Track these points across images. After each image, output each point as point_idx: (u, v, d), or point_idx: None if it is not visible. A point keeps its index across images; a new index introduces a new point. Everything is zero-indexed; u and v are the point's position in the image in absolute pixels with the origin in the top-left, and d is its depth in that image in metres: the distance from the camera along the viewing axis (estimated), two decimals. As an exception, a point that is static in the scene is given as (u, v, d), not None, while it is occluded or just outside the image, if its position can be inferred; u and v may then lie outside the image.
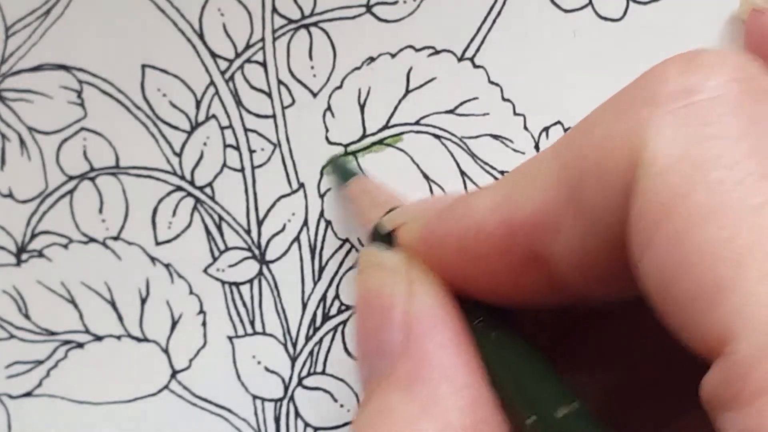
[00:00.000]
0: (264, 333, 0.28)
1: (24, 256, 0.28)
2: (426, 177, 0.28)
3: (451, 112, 0.28)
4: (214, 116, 0.28)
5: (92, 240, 0.28)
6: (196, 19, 0.28)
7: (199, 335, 0.28)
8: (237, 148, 0.28)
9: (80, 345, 0.28)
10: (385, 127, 0.28)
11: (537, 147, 0.28)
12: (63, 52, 0.27)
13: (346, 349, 0.28)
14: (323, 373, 0.28)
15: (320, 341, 0.28)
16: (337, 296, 0.28)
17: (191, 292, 0.28)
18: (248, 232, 0.28)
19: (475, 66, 0.28)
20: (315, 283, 0.28)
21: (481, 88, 0.28)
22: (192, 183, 0.28)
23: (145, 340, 0.28)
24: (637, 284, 0.13)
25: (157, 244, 0.28)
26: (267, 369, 0.28)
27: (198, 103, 0.28)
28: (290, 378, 0.28)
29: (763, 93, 0.13)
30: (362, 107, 0.28)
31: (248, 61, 0.28)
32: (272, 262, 0.28)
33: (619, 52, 0.28)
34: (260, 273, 0.28)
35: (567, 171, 0.14)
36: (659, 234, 0.12)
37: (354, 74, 0.28)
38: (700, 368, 0.12)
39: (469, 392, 0.15)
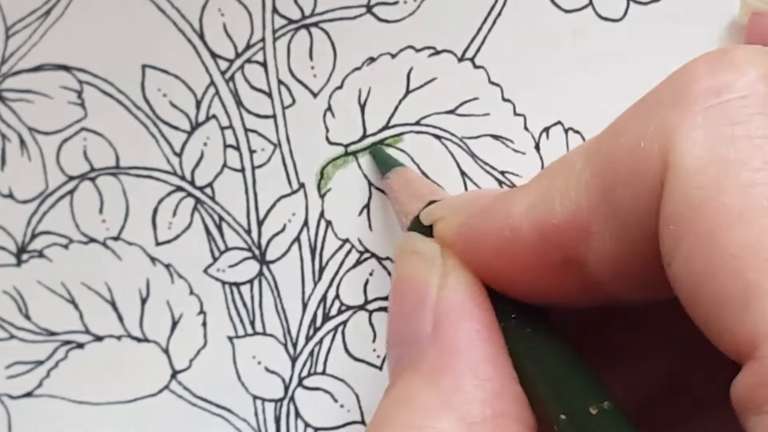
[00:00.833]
0: (264, 333, 0.28)
1: (24, 257, 0.28)
2: (426, 177, 0.28)
3: (451, 112, 0.28)
4: (214, 116, 0.28)
5: (92, 240, 0.28)
6: (196, 19, 0.28)
7: (200, 335, 0.28)
8: (237, 148, 0.28)
9: (80, 345, 0.28)
10: (386, 127, 0.28)
11: (537, 147, 0.28)
12: (63, 53, 0.27)
13: (346, 350, 0.28)
14: (323, 373, 0.28)
15: (320, 341, 0.28)
16: (337, 296, 0.28)
17: (191, 293, 0.28)
18: (248, 232, 0.28)
19: (476, 66, 0.28)
20: (315, 284, 0.28)
21: (481, 89, 0.28)
22: (192, 183, 0.28)
23: (146, 340, 0.28)
24: (668, 286, 0.13)
25: (158, 244, 0.28)
26: (267, 369, 0.28)
27: (198, 104, 0.28)
28: (290, 378, 0.28)
29: None
30: (363, 107, 0.28)
31: (248, 61, 0.28)
32: (272, 262, 0.28)
33: (619, 52, 0.28)
34: (260, 273, 0.28)
35: (598, 175, 0.14)
36: (688, 236, 0.12)
37: (354, 74, 0.28)
38: (732, 368, 0.12)
39: (491, 385, 0.15)
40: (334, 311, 0.28)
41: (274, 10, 0.28)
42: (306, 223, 0.28)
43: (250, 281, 0.28)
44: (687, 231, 0.12)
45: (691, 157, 0.13)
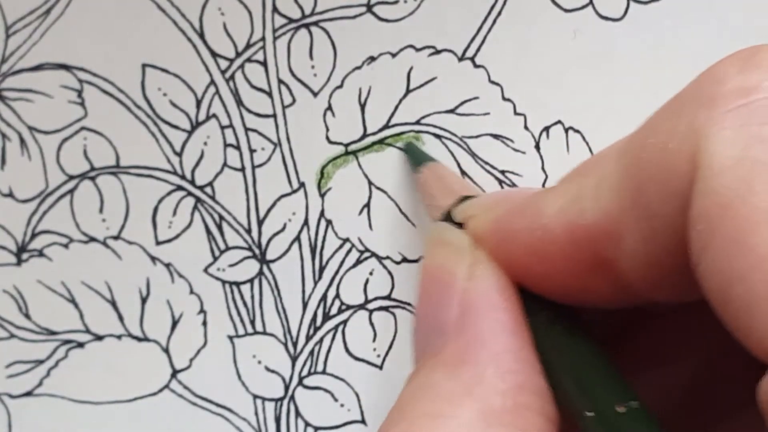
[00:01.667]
0: (264, 332, 0.28)
1: (24, 256, 0.28)
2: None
3: (451, 111, 0.28)
4: (214, 115, 0.28)
5: (93, 239, 0.28)
6: (196, 19, 0.28)
7: (200, 335, 0.28)
8: (237, 147, 0.28)
9: (81, 344, 0.28)
10: (386, 126, 0.28)
11: (537, 146, 0.28)
12: (63, 52, 0.27)
13: (346, 349, 0.28)
14: (324, 372, 0.28)
15: (321, 341, 0.28)
16: (337, 296, 0.28)
17: (192, 292, 0.28)
18: (249, 231, 0.28)
19: (476, 66, 0.28)
20: (315, 283, 0.28)
21: (481, 88, 0.28)
22: (192, 182, 0.28)
23: (146, 339, 0.28)
24: (698, 288, 0.13)
25: (158, 243, 0.28)
26: (267, 368, 0.28)
27: (198, 103, 0.28)
28: (291, 377, 0.28)
29: None
30: (363, 107, 0.28)
31: (249, 60, 0.28)
32: (273, 261, 0.28)
33: (620, 52, 0.28)
34: (261, 272, 0.28)
35: (628, 176, 0.14)
36: (717, 236, 0.12)
37: (354, 74, 0.28)
38: (760, 371, 0.12)
39: (514, 377, 0.15)
40: (334, 310, 0.28)
41: (275, 10, 0.28)
42: (306, 222, 0.28)
43: (251, 280, 0.28)
44: (716, 232, 0.12)
45: (720, 157, 0.13)
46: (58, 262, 0.28)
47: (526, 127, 0.28)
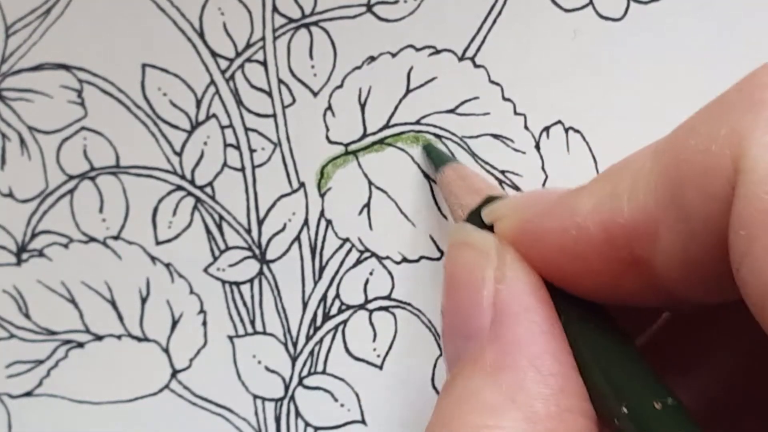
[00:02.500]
0: (264, 332, 0.28)
1: (24, 256, 0.28)
2: (427, 177, 0.28)
3: (451, 111, 0.28)
4: (214, 115, 0.28)
5: (92, 239, 0.28)
6: (196, 18, 0.28)
7: (200, 335, 0.28)
8: (237, 147, 0.28)
9: (80, 344, 0.28)
10: (386, 126, 0.28)
11: (537, 146, 0.28)
12: (63, 52, 0.27)
13: (346, 349, 0.28)
14: (324, 372, 0.28)
15: (321, 341, 0.28)
16: (337, 296, 0.28)
17: (191, 292, 0.28)
18: (249, 231, 0.28)
19: (476, 65, 0.28)
20: (315, 283, 0.28)
21: (481, 88, 0.28)
22: (192, 182, 0.28)
23: (146, 339, 0.28)
24: (734, 289, 0.13)
25: (158, 243, 0.28)
26: (267, 368, 0.28)
27: (198, 103, 0.28)
28: (291, 377, 0.28)
29: None
30: (363, 106, 0.28)
31: (249, 60, 0.28)
32: (273, 261, 0.28)
33: (620, 52, 0.28)
34: (261, 272, 0.28)
35: (667, 176, 0.14)
36: (759, 242, 0.12)
37: (354, 73, 0.28)
38: None
39: (555, 381, 0.15)
40: (334, 310, 0.28)
41: (274, 9, 0.28)
42: (306, 222, 0.28)
43: (251, 280, 0.28)
44: (758, 236, 0.12)
45: (764, 162, 0.13)
46: (58, 262, 0.28)
47: (526, 127, 0.28)
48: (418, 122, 0.28)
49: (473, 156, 0.28)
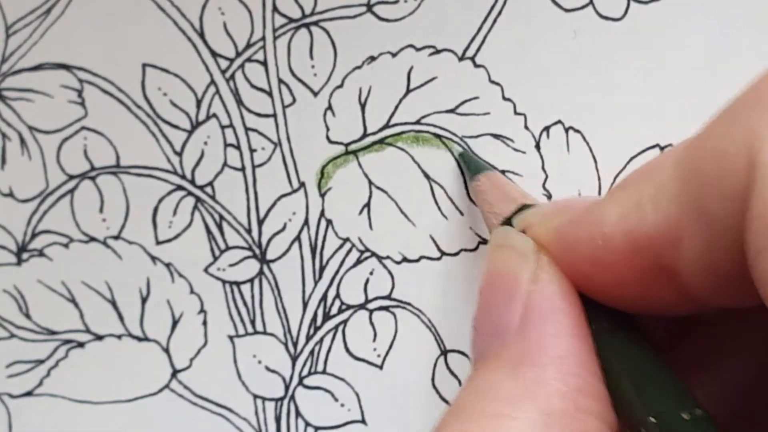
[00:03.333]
0: (265, 332, 0.28)
1: (24, 256, 0.28)
2: (426, 176, 0.28)
3: (451, 111, 0.28)
4: (214, 115, 0.28)
5: (93, 239, 0.28)
6: (196, 18, 0.28)
7: (200, 334, 0.28)
8: (238, 147, 0.28)
9: (81, 344, 0.28)
10: (386, 126, 0.28)
11: (537, 146, 0.28)
12: (63, 52, 0.27)
13: (346, 349, 0.28)
14: (324, 372, 0.28)
15: (321, 341, 0.28)
16: (337, 296, 0.28)
17: (192, 292, 0.28)
18: (249, 231, 0.28)
19: (476, 65, 0.28)
20: (316, 283, 0.28)
21: (481, 88, 0.28)
22: (192, 182, 0.28)
23: (146, 339, 0.28)
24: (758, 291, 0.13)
25: (158, 243, 0.28)
26: (268, 368, 0.28)
27: (198, 102, 0.28)
28: (291, 377, 0.28)
29: None
30: (363, 106, 0.28)
31: (249, 60, 0.28)
32: (273, 261, 0.28)
33: (620, 52, 0.28)
34: (261, 272, 0.28)
35: (687, 182, 0.14)
36: None
37: (355, 73, 0.28)
38: None
39: (574, 380, 0.15)
40: (334, 310, 0.28)
41: (275, 9, 0.28)
42: (306, 222, 0.28)
43: (251, 280, 0.28)
44: None
45: None
46: (58, 262, 0.28)
47: (526, 127, 0.28)
48: (418, 122, 0.28)
49: (475, 156, 0.28)
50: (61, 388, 0.28)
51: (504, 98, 0.28)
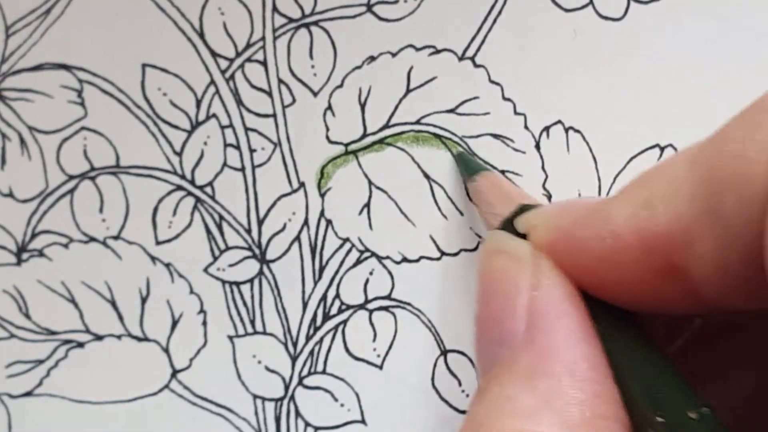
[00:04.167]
0: (264, 332, 0.28)
1: (24, 256, 0.28)
2: (426, 176, 0.28)
3: (451, 111, 0.28)
4: (214, 115, 0.28)
5: (92, 239, 0.28)
6: (196, 18, 0.28)
7: (200, 334, 0.28)
8: (237, 147, 0.28)
9: (81, 344, 0.28)
10: (386, 126, 0.28)
11: (537, 146, 0.28)
12: (63, 52, 0.27)
13: (346, 349, 0.28)
14: (324, 372, 0.28)
15: (321, 341, 0.28)
16: (337, 296, 0.28)
17: (191, 292, 0.28)
18: (249, 231, 0.28)
19: (476, 65, 0.28)
20: (315, 283, 0.28)
21: (481, 88, 0.28)
22: (192, 182, 0.28)
23: (146, 339, 0.28)
24: None
25: (158, 243, 0.28)
26: (267, 368, 0.28)
27: (198, 103, 0.28)
28: (291, 377, 0.28)
29: None
30: (363, 106, 0.28)
31: (249, 60, 0.28)
32: (273, 261, 0.28)
33: (620, 52, 0.28)
34: (261, 272, 0.28)
35: (702, 182, 0.14)
36: None
37: (355, 73, 0.28)
38: None
39: (590, 386, 0.15)
40: (334, 310, 0.28)
41: (275, 9, 0.28)
42: (306, 222, 0.28)
43: (251, 280, 0.28)
44: None
45: None
46: (58, 262, 0.28)
47: (526, 127, 0.28)
48: (418, 122, 0.28)
49: (473, 156, 0.28)
50: (61, 388, 0.28)
51: (504, 98, 0.28)
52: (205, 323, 0.28)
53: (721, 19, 0.27)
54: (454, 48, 0.28)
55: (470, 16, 0.28)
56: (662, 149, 0.28)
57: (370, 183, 0.28)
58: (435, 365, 0.28)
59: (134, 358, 0.28)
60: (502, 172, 0.28)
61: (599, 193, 0.28)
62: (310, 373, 0.28)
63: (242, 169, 0.28)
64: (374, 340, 0.28)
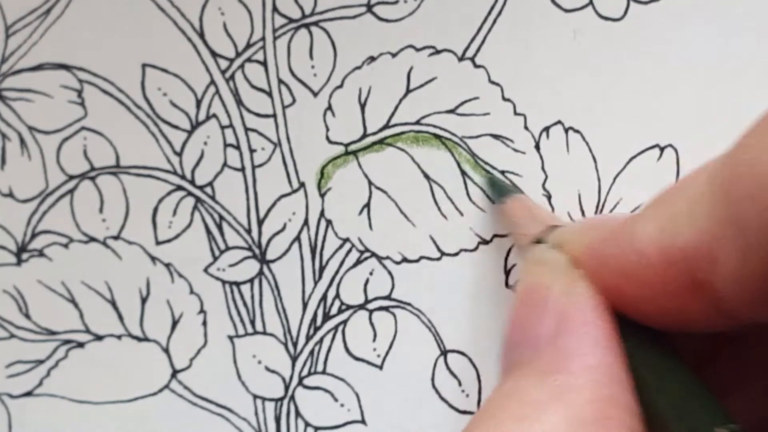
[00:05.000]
0: (264, 332, 0.28)
1: (24, 256, 0.28)
2: (426, 176, 0.28)
3: (451, 111, 0.28)
4: (214, 115, 0.28)
5: (93, 239, 0.28)
6: (196, 19, 0.28)
7: (200, 334, 0.28)
8: (237, 147, 0.28)
9: (81, 344, 0.28)
10: (386, 126, 0.28)
11: (537, 146, 0.28)
12: (63, 52, 0.27)
13: (346, 349, 0.28)
14: (324, 372, 0.28)
15: (321, 341, 0.28)
16: (337, 296, 0.28)
17: (192, 292, 0.28)
18: (249, 231, 0.28)
19: (476, 66, 0.28)
20: (315, 283, 0.28)
21: (481, 88, 0.28)
22: (192, 182, 0.28)
23: (146, 339, 0.28)
24: None
25: (158, 243, 0.28)
26: (267, 368, 0.28)
27: (198, 103, 0.28)
28: (291, 377, 0.28)
29: None
30: (363, 106, 0.28)
31: (249, 60, 0.28)
32: (273, 261, 0.28)
33: (619, 52, 0.28)
34: (261, 272, 0.28)
35: (723, 194, 0.14)
36: None
37: (355, 73, 0.28)
38: None
39: (604, 390, 0.15)
40: (334, 310, 0.28)
41: (275, 9, 0.28)
42: (306, 222, 0.28)
43: (251, 280, 0.28)
44: None
45: None
46: (58, 262, 0.28)
47: (526, 127, 0.28)
48: (418, 122, 0.28)
49: (473, 156, 0.28)
50: (61, 388, 0.28)
51: (504, 98, 0.28)
52: (205, 323, 0.28)
53: (721, 19, 0.27)
54: (454, 48, 0.28)
55: (470, 16, 0.28)
56: (662, 149, 0.28)
57: (370, 183, 0.28)
58: (435, 365, 0.28)
59: (134, 358, 0.28)
60: (502, 172, 0.28)
61: (599, 193, 0.28)
62: (310, 373, 0.28)
63: (242, 169, 0.28)
64: (374, 340, 0.28)
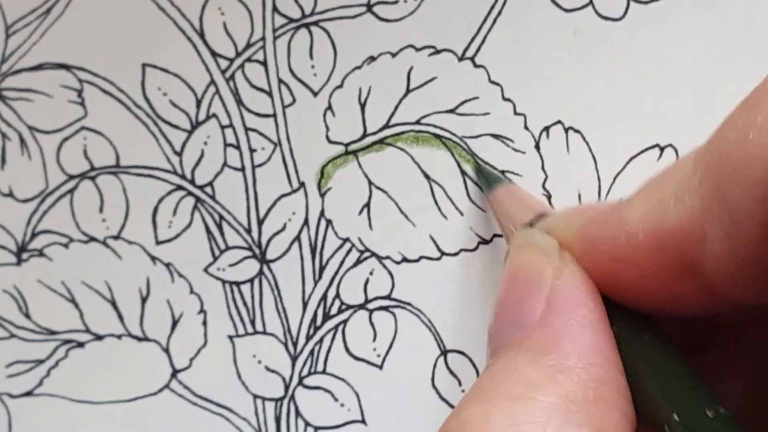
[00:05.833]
0: (264, 332, 0.28)
1: (24, 256, 0.28)
2: (426, 176, 0.28)
3: (451, 111, 0.28)
4: (214, 115, 0.28)
5: (93, 239, 0.28)
6: (196, 18, 0.28)
7: (200, 334, 0.28)
8: (237, 147, 0.28)
9: (81, 344, 0.28)
10: (386, 126, 0.28)
11: (537, 146, 0.28)
12: (63, 51, 0.27)
13: (346, 349, 0.28)
14: (324, 372, 0.28)
15: (321, 341, 0.28)
16: (337, 296, 0.28)
17: (192, 292, 0.28)
18: (249, 231, 0.28)
19: (476, 65, 0.28)
20: (315, 283, 0.28)
21: (481, 88, 0.28)
22: (192, 182, 0.28)
23: (146, 339, 0.28)
24: None
25: (158, 243, 0.28)
26: (267, 368, 0.28)
27: (198, 102, 0.28)
28: (291, 377, 0.28)
29: None
30: (363, 106, 0.28)
31: (249, 60, 0.28)
32: (273, 261, 0.28)
33: (620, 52, 0.28)
34: (261, 272, 0.28)
35: (709, 174, 0.14)
36: None
37: (355, 73, 0.28)
38: None
39: (596, 371, 0.15)
40: (334, 310, 0.28)
41: (275, 9, 0.28)
42: (306, 222, 0.28)
43: (251, 280, 0.28)
44: None
45: None
46: (58, 261, 0.28)
47: (526, 127, 0.28)
48: (418, 122, 0.28)
49: (473, 156, 0.28)
50: (61, 388, 0.28)
51: (504, 98, 0.28)
52: (205, 323, 0.28)
53: (721, 20, 0.27)
54: (454, 48, 0.28)
55: (470, 16, 0.28)
56: (662, 149, 0.28)
57: (370, 183, 0.28)
58: (435, 365, 0.28)
59: (134, 358, 0.28)
60: (502, 172, 0.28)
61: (599, 193, 0.28)
62: (310, 373, 0.28)
63: (242, 169, 0.28)
64: (374, 340, 0.28)
